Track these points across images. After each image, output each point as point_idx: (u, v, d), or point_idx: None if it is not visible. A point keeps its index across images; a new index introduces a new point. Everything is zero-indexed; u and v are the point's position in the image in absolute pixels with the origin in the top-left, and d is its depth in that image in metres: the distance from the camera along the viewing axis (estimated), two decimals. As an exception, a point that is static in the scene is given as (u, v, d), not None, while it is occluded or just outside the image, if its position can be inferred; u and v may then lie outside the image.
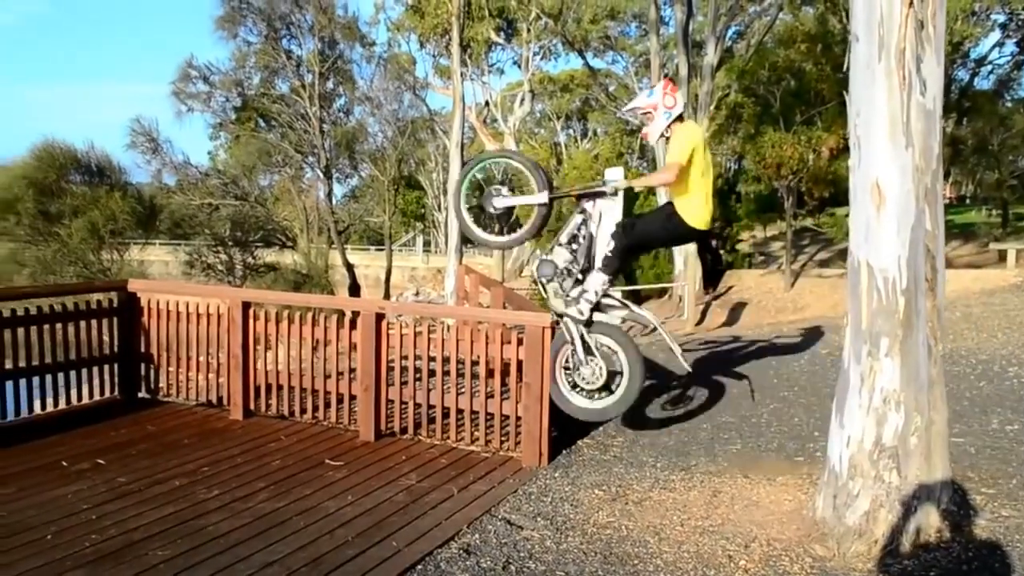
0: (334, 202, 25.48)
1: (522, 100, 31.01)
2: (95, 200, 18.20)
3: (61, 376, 7.14)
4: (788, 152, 16.40)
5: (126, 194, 19.00)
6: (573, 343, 5.86)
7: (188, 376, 7.45)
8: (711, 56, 18.19)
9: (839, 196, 19.33)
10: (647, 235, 5.90)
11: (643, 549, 4.40)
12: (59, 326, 7.05)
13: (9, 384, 6.68)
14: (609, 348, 5.86)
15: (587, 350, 5.86)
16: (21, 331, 6.78)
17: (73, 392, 7.26)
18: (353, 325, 6.60)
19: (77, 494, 5.13)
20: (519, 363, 5.88)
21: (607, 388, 5.86)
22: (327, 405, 6.85)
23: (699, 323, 16.02)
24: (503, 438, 6.14)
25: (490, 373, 6.23)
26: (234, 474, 5.53)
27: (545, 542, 4.50)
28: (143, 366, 7.62)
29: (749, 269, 19.83)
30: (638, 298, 19.22)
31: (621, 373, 5.82)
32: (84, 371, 7.31)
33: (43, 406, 7.13)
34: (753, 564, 4.21)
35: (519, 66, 31.49)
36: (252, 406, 7.06)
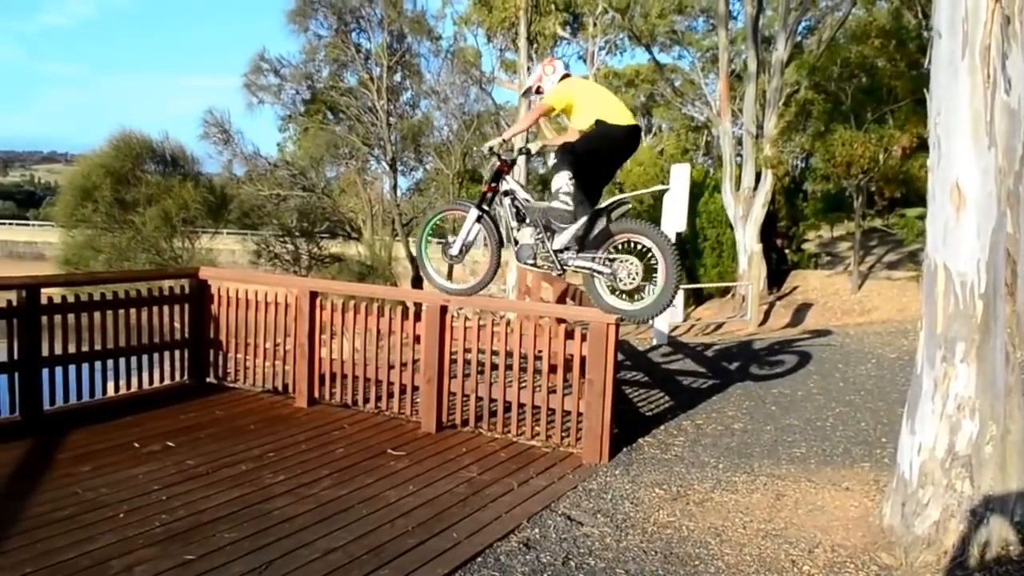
0: (398, 194, 25.73)
1: (587, 95, 30.77)
2: (168, 189, 18.63)
3: (134, 360, 7.34)
4: (859, 151, 15.97)
5: (198, 184, 19.42)
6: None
7: (255, 363, 7.59)
8: (781, 51, 17.82)
9: (910, 196, 18.75)
10: (589, 147, 5.76)
11: (704, 550, 4.34)
12: (133, 311, 7.25)
13: (85, 366, 6.90)
14: (643, 246, 5.69)
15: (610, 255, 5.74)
16: (98, 315, 6.99)
17: (145, 375, 7.47)
18: (417, 317, 6.66)
19: (148, 475, 5.27)
20: (582, 359, 5.86)
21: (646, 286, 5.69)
22: (390, 395, 6.92)
23: (762, 323, 15.73)
24: (564, 434, 6.12)
25: (552, 368, 6.21)
26: (299, 460, 5.63)
27: (605, 539, 4.47)
28: (212, 352, 7.80)
29: (815, 269, 19.37)
30: (700, 296, 18.98)
31: (656, 270, 5.61)
32: (156, 355, 7.51)
33: (116, 388, 7.34)
34: (817, 570, 4.13)
35: (584, 61, 31.24)
36: (316, 394, 7.17)
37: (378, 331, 6.87)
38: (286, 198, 21.66)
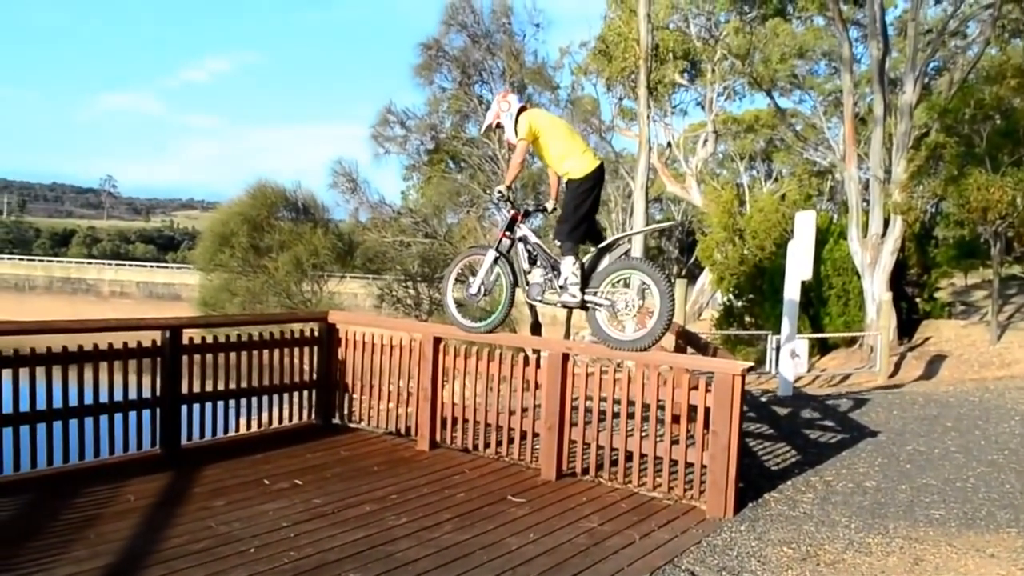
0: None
1: (705, 141, 30.49)
2: (300, 236, 19.39)
3: (265, 399, 7.62)
4: (996, 195, 15.16)
5: (327, 231, 20.12)
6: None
7: (379, 405, 7.74)
8: (909, 94, 17.18)
9: (1053, 243, 17.70)
10: (571, 205, 6.24)
11: (838, 616, 4.11)
12: (266, 352, 7.54)
13: (220, 404, 7.21)
14: (641, 281, 6.10)
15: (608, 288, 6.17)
16: (233, 355, 7.30)
17: (275, 414, 7.73)
18: (538, 363, 6.65)
19: (278, 511, 5.41)
20: (706, 410, 5.71)
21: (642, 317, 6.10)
22: (510, 441, 6.91)
23: (892, 375, 14.99)
24: (687, 486, 5.95)
25: (674, 418, 6.07)
26: (421, 503, 5.67)
27: (731, 599, 4.29)
28: (338, 393, 7.99)
29: (948, 319, 18.37)
30: (825, 346, 18.28)
31: (654, 303, 5.98)
32: (286, 395, 7.77)
33: (248, 426, 7.62)
34: (964, 644, 3.84)
35: (702, 107, 31.00)
36: (438, 438, 7.24)
37: (499, 377, 6.90)
38: (409, 244, 22.13)
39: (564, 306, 6.35)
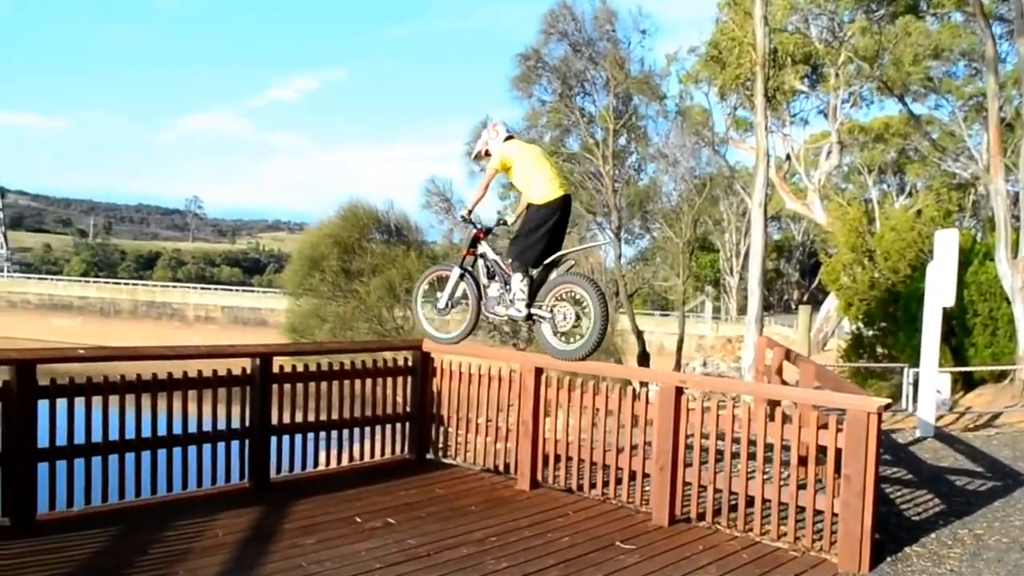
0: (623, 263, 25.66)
1: (828, 153, 29.70)
2: (392, 259, 19.70)
3: (357, 431, 7.74)
4: None
5: (421, 253, 20.42)
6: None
7: (475, 440, 7.75)
8: (1065, 98, 16.45)
9: None
10: (525, 227, 6.85)
11: None
12: (358, 382, 7.66)
13: (311, 436, 7.35)
14: (578, 295, 6.60)
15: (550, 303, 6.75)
16: (324, 385, 7.44)
17: (367, 447, 7.83)
18: (647, 397, 6.56)
19: (370, 552, 5.47)
20: (837, 452, 5.51)
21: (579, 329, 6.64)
22: (617, 482, 6.82)
23: (1050, 414, 14.21)
24: (815, 536, 5.75)
25: (801, 460, 5.88)
26: (522, 547, 5.64)
27: (871, 666, 4.10)
28: (432, 426, 8.04)
29: (1115, 351, 17.34)
30: (971, 381, 17.47)
31: (589, 316, 6.49)
32: (378, 428, 7.87)
33: (339, 459, 7.75)
34: None
35: (825, 115, 30.24)
36: (539, 476, 7.20)
37: (605, 411, 6.84)
38: (507, 267, 22.32)
39: (511, 319, 7.01)
